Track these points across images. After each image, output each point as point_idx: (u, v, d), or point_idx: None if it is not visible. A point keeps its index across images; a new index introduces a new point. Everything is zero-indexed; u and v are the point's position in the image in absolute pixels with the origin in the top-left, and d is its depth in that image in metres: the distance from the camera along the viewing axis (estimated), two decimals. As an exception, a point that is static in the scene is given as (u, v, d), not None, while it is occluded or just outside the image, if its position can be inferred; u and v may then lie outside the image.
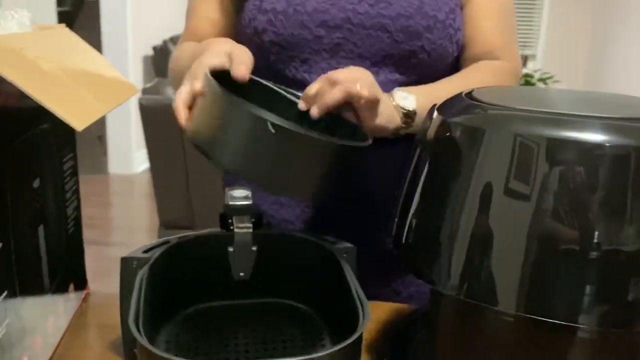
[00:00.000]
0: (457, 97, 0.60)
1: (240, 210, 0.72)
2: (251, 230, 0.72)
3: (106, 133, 4.35)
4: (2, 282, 0.58)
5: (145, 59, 4.52)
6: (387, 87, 0.82)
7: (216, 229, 0.74)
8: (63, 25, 0.76)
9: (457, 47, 0.87)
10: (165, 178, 2.57)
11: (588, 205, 0.50)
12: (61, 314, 0.76)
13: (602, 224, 0.50)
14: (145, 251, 0.69)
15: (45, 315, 0.71)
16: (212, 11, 0.93)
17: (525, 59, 5.40)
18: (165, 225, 2.55)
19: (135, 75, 4.36)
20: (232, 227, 0.72)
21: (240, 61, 0.68)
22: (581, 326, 0.52)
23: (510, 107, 0.54)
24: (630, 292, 0.51)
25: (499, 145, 0.53)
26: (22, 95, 0.52)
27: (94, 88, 0.65)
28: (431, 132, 0.58)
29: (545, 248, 0.51)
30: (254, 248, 0.72)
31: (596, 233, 0.50)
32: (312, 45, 0.83)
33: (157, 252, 0.67)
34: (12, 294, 0.61)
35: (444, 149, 0.57)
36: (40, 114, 0.53)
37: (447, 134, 0.56)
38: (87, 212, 3.56)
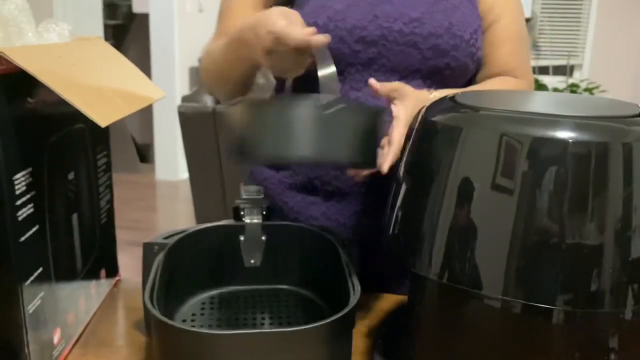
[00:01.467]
0: (441, 100, 0.65)
1: (252, 203, 0.79)
2: (261, 221, 0.78)
3: (153, 141, 4.53)
4: (37, 259, 0.67)
5: (192, 69, 4.69)
6: None
7: (230, 221, 0.81)
8: (99, 37, 0.85)
9: (477, 65, 0.94)
10: (203, 182, 2.67)
11: (553, 197, 0.55)
12: (92, 295, 0.85)
13: (569, 216, 0.55)
14: (166, 238, 0.76)
15: (78, 296, 0.79)
16: (243, 13, 0.96)
17: (571, 69, 5.33)
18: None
19: (181, 85, 4.53)
20: (244, 219, 0.79)
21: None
22: (556, 308, 0.56)
23: (486, 107, 0.59)
24: (596, 278, 0.55)
25: (474, 142, 0.58)
26: (60, 98, 0.60)
27: (121, 91, 0.73)
28: (416, 130, 0.64)
29: (518, 236, 0.56)
30: (263, 237, 0.78)
31: (566, 223, 0.55)
32: (348, 59, 0.89)
33: (174, 239, 0.75)
34: (47, 273, 0.69)
35: (427, 145, 0.62)
36: (77, 114, 0.61)
37: (429, 132, 0.62)
38: (133, 215, 3.70)
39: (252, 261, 0.79)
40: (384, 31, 0.87)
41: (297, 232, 0.81)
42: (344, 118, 0.65)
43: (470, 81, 0.97)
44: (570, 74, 5.20)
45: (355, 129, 0.66)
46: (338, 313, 0.60)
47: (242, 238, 0.78)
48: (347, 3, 0.89)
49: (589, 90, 4.77)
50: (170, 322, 0.58)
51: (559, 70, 5.10)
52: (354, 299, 0.62)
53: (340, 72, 0.89)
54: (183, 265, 0.77)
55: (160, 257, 0.71)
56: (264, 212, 0.79)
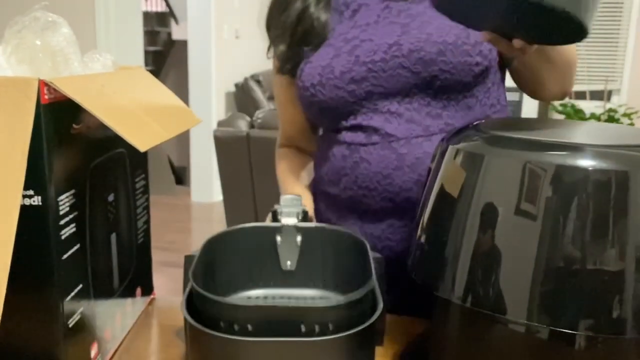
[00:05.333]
0: (464, 128, 0.67)
1: (290, 206, 0.83)
2: (296, 223, 0.83)
3: (190, 164, 4.63)
4: (78, 277, 0.71)
5: (228, 94, 4.80)
6: (421, 112, 0.95)
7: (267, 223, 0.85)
8: (140, 66, 0.89)
9: (482, 57, 0.94)
10: (236, 205, 2.72)
11: (575, 224, 0.56)
12: (128, 313, 0.88)
13: (590, 242, 0.56)
14: None
15: (114, 313, 0.83)
16: (289, 113, 1.13)
17: (609, 94, 5.26)
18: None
19: (218, 110, 4.63)
20: (280, 220, 0.83)
21: None
22: (578, 333, 0.57)
23: (508, 135, 0.61)
24: (618, 304, 0.56)
25: (497, 169, 0.59)
26: (102, 124, 0.65)
27: (160, 117, 0.77)
28: (440, 157, 0.66)
29: (540, 262, 0.57)
30: (299, 238, 0.82)
31: (588, 249, 0.56)
32: (349, 99, 0.98)
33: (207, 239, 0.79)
34: (86, 289, 0.73)
35: (450, 171, 0.64)
36: (117, 139, 0.65)
37: (452, 159, 0.63)
38: (169, 237, 3.77)
39: (288, 263, 0.82)
40: (368, 65, 0.95)
41: (332, 235, 0.83)
42: None
43: (487, 74, 0.98)
44: (608, 99, 5.12)
45: None
46: (360, 326, 0.61)
47: (279, 238, 0.81)
48: (332, 56, 0.97)
49: (627, 115, 4.69)
50: (200, 327, 0.61)
51: (596, 95, 5.04)
52: (376, 313, 0.64)
53: (349, 112, 0.99)
54: (220, 263, 0.79)
55: (200, 251, 0.74)
56: (300, 218, 0.83)
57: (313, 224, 0.85)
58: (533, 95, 1.07)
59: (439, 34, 0.92)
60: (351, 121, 0.99)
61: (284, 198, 0.85)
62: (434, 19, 0.94)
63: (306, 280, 0.85)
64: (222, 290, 0.83)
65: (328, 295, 0.85)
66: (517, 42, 0.72)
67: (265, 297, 0.84)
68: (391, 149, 0.95)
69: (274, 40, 1.04)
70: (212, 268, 0.77)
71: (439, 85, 0.94)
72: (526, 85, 1.05)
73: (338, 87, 0.96)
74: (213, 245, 0.77)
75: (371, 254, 0.81)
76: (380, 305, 0.65)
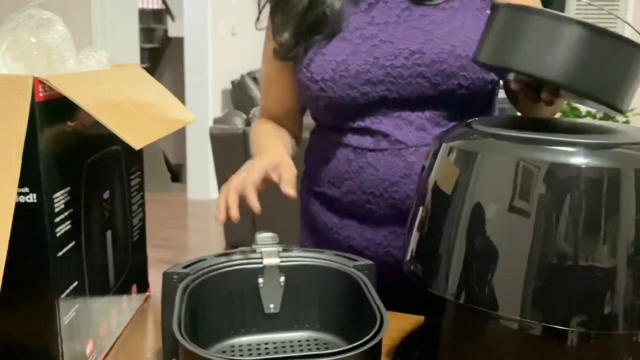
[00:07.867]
0: (457, 125, 0.68)
1: (270, 246, 0.80)
2: (278, 262, 0.78)
3: (186, 162, 4.62)
4: (73, 274, 0.71)
5: (224, 92, 4.79)
6: (432, 121, 0.93)
7: (249, 249, 0.81)
8: (135, 64, 0.90)
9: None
10: (233, 202, 2.72)
11: (567, 221, 0.56)
12: (124, 310, 0.88)
13: (582, 239, 0.56)
14: (185, 267, 0.76)
15: (110, 310, 0.83)
16: (278, 91, 1.08)
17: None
18: (232, 245, 2.70)
19: (214, 107, 4.62)
20: (262, 261, 0.79)
21: (288, 180, 0.84)
22: (570, 329, 0.57)
23: (501, 133, 0.61)
24: (610, 300, 0.56)
25: (490, 166, 0.60)
26: (97, 121, 0.65)
27: (155, 115, 0.78)
28: (432, 155, 0.66)
29: (532, 259, 0.57)
30: (282, 279, 0.78)
31: (580, 246, 0.56)
32: (360, 101, 0.94)
33: (193, 282, 0.74)
34: (82, 287, 0.73)
35: (444, 169, 0.64)
36: (113, 137, 0.65)
37: (446, 157, 0.64)
38: (165, 233, 3.77)
39: (271, 306, 0.79)
40: (387, 69, 0.91)
41: (316, 271, 0.80)
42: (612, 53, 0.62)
43: (496, 89, 0.98)
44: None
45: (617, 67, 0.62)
46: (366, 344, 0.60)
47: (260, 280, 0.78)
48: (348, 52, 0.93)
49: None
50: (199, 350, 0.59)
51: (592, 93, 5.04)
52: (383, 329, 0.63)
53: (357, 113, 0.95)
54: (201, 312, 0.76)
55: (184, 287, 0.72)
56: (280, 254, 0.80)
57: (296, 262, 0.80)
58: (523, 112, 1.04)
59: (463, 47, 0.90)
60: (358, 122, 0.96)
61: (261, 236, 0.81)
62: (457, 30, 0.91)
63: (290, 323, 0.81)
64: (204, 340, 0.77)
65: (315, 337, 0.81)
66: (545, 96, 0.70)
67: (249, 345, 0.80)
68: (400, 156, 0.93)
69: (277, 27, 0.99)
70: (194, 318, 0.72)
71: (455, 99, 0.92)
72: (520, 105, 1.02)
73: (351, 87, 0.93)
74: (194, 294, 0.73)
75: (361, 260, 0.80)
76: (386, 320, 0.64)
